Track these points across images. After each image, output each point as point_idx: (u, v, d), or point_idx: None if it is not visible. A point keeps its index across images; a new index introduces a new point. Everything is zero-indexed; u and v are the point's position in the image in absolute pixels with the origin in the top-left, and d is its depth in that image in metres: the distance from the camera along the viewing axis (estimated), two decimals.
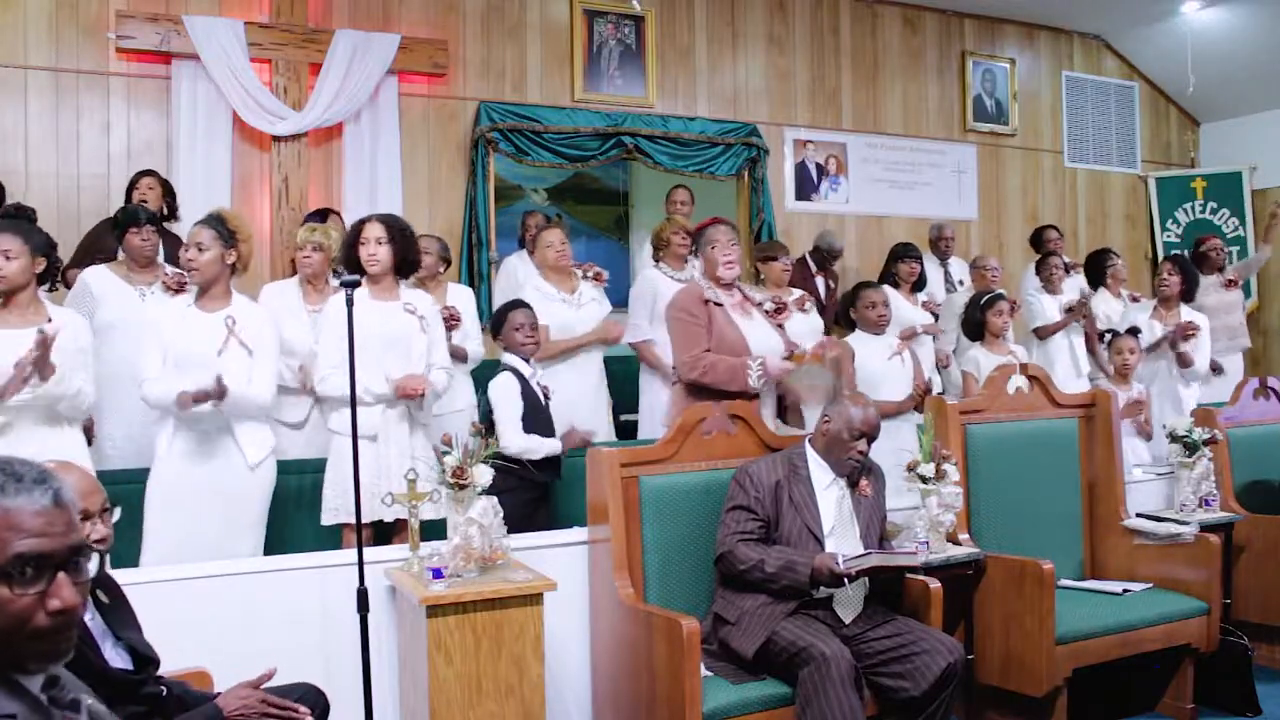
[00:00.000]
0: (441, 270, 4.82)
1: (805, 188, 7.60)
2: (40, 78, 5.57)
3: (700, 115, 7.17)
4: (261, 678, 2.30)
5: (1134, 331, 5.28)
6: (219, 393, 3.32)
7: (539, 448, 3.90)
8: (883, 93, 7.90)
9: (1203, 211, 8.87)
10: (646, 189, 8.37)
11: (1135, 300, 6.21)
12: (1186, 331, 5.43)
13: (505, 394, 3.95)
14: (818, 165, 7.64)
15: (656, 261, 5.19)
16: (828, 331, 5.40)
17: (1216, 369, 6.04)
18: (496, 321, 4.20)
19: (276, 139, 5.91)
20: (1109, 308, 6.15)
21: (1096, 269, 6.41)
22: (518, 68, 6.68)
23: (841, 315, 5.24)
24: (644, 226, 8.09)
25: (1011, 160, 8.44)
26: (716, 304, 3.77)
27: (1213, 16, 8.09)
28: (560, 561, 3.19)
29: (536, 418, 3.98)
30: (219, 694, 2.30)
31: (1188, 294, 5.63)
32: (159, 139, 5.77)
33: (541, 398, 4.05)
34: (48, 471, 1.28)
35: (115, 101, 5.72)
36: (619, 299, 5.58)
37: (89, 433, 3.75)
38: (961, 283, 6.67)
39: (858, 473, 3.30)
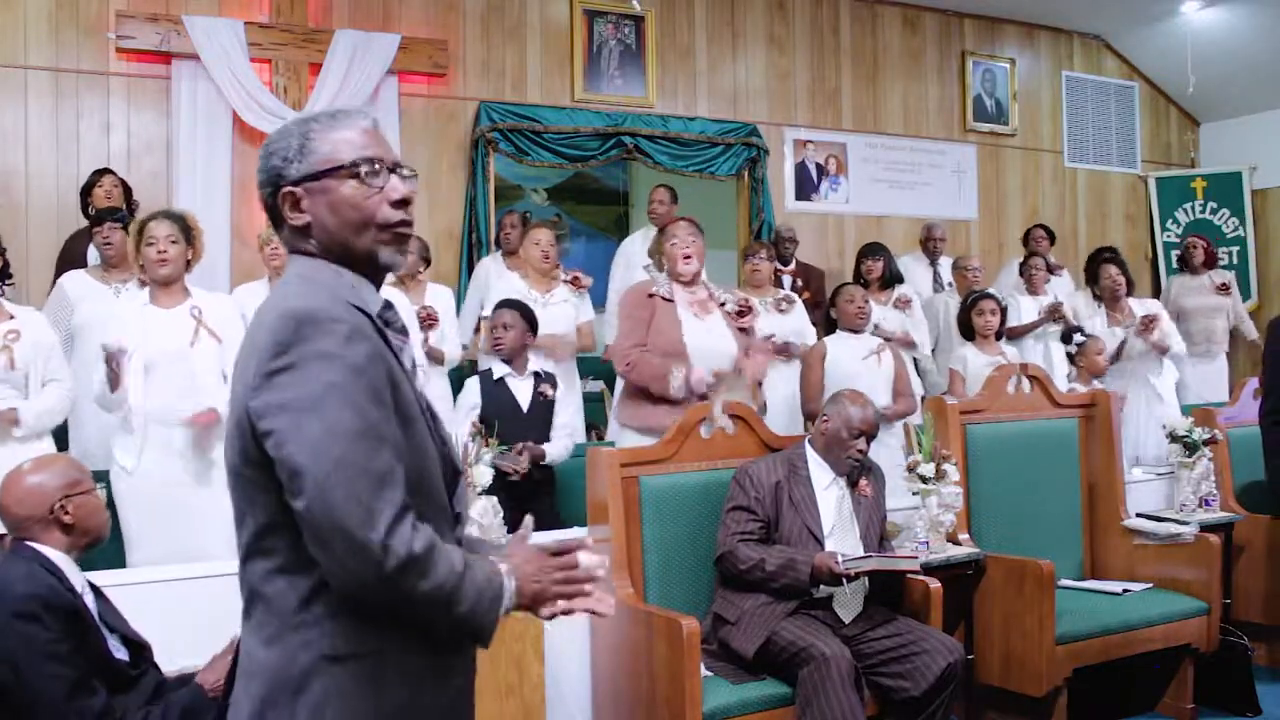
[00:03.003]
0: (421, 270, 4.80)
1: (805, 188, 7.59)
2: (40, 78, 5.57)
3: (700, 115, 7.17)
4: (229, 646, 2.31)
5: (1075, 331, 5.25)
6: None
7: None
8: (883, 93, 7.90)
9: (1203, 211, 8.87)
10: (646, 189, 8.32)
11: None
12: (1148, 325, 5.40)
13: (461, 399, 3.98)
14: (818, 165, 7.64)
15: (652, 267, 5.19)
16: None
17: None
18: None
19: None
20: (1089, 309, 6.12)
21: (1095, 268, 6.40)
22: (518, 68, 6.68)
23: (822, 317, 5.19)
24: (644, 227, 8.08)
25: (1011, 160, 8.44)
26: (666, 299, 3.78)
27: (1213, 16, 8.09)
28: None
29: (500, 423, 3.73)
30: (196, 672, 2.31)
31: (1130, 289, 5.65)
32: (159, 139, 5.77)
33: (522, 400, 3.98)
34: (363, 110, 1.55)
35: (115, 101, 5.72)
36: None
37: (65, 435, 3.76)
38: (950, 284, 6.65)
39: (857, 472, 3.30)
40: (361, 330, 1.37)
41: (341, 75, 5.97)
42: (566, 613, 1.49)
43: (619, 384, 4.62)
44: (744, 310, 3.96)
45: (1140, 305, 5.56)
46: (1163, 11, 8.18)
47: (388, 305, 1.52)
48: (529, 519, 1.57)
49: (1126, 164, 8.98)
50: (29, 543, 2.18)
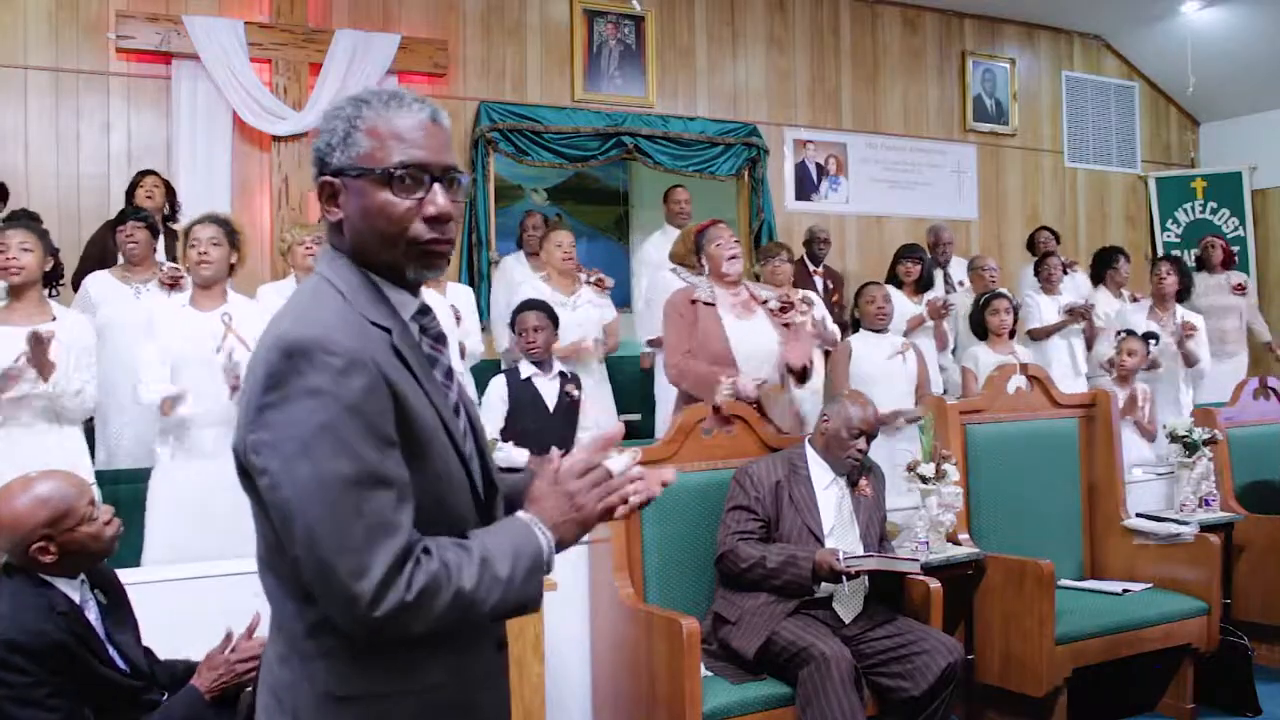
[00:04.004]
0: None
1: (805, 188, 7.60)
2: (40, 78, 5.57)
3: (700, 115, 7.17)
4: (223, 643, 2.31)
5: (1149, 336, 5.22)
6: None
7: (499, 458, 3.85)
8: (883, 93, 7.90)
9: (1203, 211, 8.87)
10: (646, 189, 8.37)
11: (1135, 300, 6.20)
12: (1186, 332, 5.44)
13: (489, 396, 4.02)
14: (818, 165, 7.64)
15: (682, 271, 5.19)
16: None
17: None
18: (511, 323, 4.24)
19: (276, 139, 5.91)
20: (1108, 306, 6.15)
21: (1101, 267, 6.43)
22: (518, 68, 6.68)
23: (849, 316, 5.22)
24: (644, 226, 8.08)
25: (1011, 160, 8.44)
26: (708, 304, 3.77)
27: (1213, 16, 8.10)
28: (560, 561, 3.16)
29: (526, 422, 3.93)
30: (197, 673, 2.30)
31: (1183, 294, 5.64)
32: (159, 139, 5.77)
33: (549, 400, 4.02)
34: (426, 98, 1.39)
35: (115, 101, 5.72)
36: (621, 299, 5.61)
37: (91, 434, 3.78)
38: (961, 283, 6.64)
39: (858, 472, 3.30)
40: (359, 361, 1.25)
41: (341, 75, 5.98)
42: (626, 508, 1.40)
43: (657, 385, 4.69)
44: (786, 306, 3.94)
45: (1184, 312, 5.58)
46: (1163, 11, 8.19)
47: (424, 310, 1.41)
48: (555, 452, 1.42)
49: (1126, 164, 8.98)
50: (20, 566, 2.11)
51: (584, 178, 8.52)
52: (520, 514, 1.36)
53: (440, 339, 1.43)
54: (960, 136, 8.19)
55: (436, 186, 1.34)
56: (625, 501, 1.39)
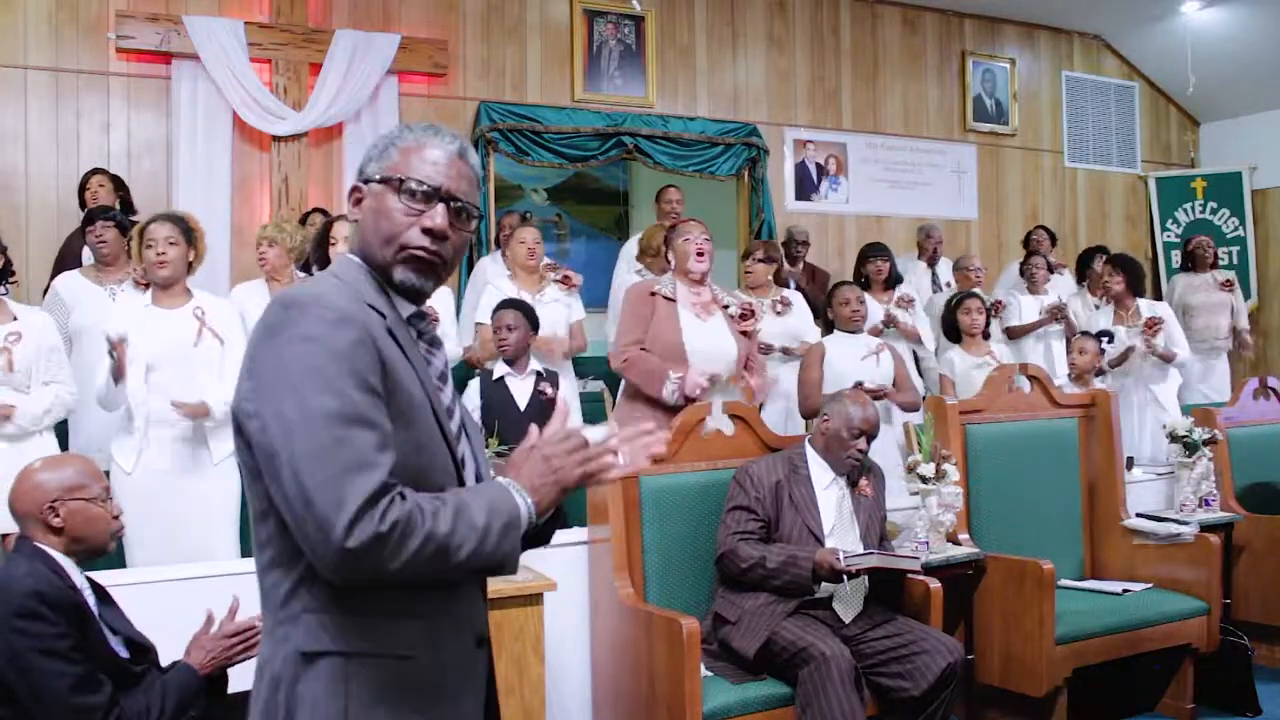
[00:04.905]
0: None
1: (805, 188, 7.59)
2: (40, 78, 5.57)
3: (700, 115, 7.17)
4: (207, 623, 2.35)
5: (1102, 335, 5.11)
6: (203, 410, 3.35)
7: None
8: (883, 93, 7.90)
9: (1203, 211, 8.87)
10: (646, 189, 8.36)
11: (1109, 303, 6.08)
12: (1152, 327, 5.26)
13: (465, 399, 4.01)
14: (818, 165, 7.64)
15: (642, 265, 5.18)
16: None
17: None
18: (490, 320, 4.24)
19: (276, 139, 5.91)
20: (1085, 309, 6.12)
21: (1083, 268, 6.43)
22: (518, 68, 6.68)
23: (821, 316, 5.18)
24: (644, 226, 8.06)
25: (1011, 160, 8.44)
26: (668, 298, 3.76)
27: (1213, 16, 8.09)
28: (560, 561, 3.19)
29: (498, 422, 3.90)
30: (186, 653, 2.32)
31: (1136, 289, 5.44)
32: (159, 139, 5.78)
33: (520, 400, 4.00)
34: (460, 136, 1.53)
35: (115, 101, 5.72)
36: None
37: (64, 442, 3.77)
38: (949, 284, 6.60)
39: (858, 472, 3.30)
40: (353, 319, 1.34)
41: (341, 75, 5.97)
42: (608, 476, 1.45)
43: (623, 384, 4.63)
44: (746, 314, 3.92)
45: (1148, 307, 5.42)
46: (1163, 11, 8.18)
47: (420, 315, 1.51)
48: (533, 428, 1.47)
49: (1126, 164, 8.98)
50: (31, 540, 2.19)
51: (584, 178, 8.52)
52: (498, 478, 1.43)
53: (435, 343, 1.52)
54: (960, 136, 8.18)
55: (440, 207, 1.47)
56: (605, 470, 1.45)
